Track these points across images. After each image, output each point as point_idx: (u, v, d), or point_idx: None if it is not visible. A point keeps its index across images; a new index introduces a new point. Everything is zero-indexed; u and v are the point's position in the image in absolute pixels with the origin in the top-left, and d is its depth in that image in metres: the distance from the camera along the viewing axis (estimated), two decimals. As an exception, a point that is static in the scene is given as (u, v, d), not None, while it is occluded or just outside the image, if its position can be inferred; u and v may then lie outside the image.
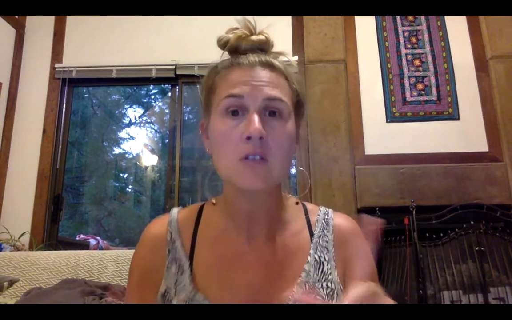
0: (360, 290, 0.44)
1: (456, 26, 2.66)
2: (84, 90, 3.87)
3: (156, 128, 4.58)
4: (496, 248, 2.09)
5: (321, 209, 0.73)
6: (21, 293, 1.56)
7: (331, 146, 2.45)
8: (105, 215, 4.28)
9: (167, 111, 3.56)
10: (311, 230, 0.70)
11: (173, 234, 0.69)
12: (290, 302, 0.61)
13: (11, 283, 1.49)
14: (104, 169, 4.38)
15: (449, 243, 2.12)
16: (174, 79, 2.78)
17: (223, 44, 0.70)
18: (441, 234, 2.12)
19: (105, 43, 2.82)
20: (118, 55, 2.77)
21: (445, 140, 2.47)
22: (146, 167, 4.44)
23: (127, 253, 1.79)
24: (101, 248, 2.64)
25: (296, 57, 2.63)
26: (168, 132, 3.03)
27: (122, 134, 4.62)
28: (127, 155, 4.57)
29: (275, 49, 0.71)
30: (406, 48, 2.65)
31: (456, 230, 2.13)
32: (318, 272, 0.65)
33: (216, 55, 0.71)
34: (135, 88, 4.40)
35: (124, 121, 4.68)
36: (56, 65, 2.76)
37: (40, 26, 2.85)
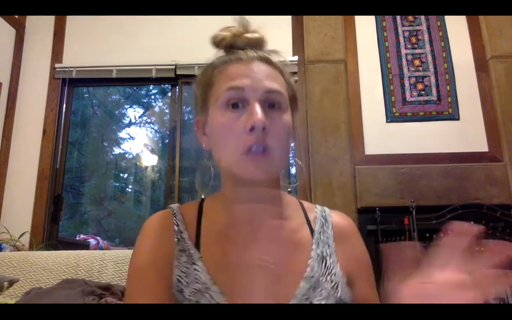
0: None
1: (456, 26, 2.66)
2: (84, 90, 3.87)
3: (156, 128, 4.58)
4: (496, 248, 2.08)
5: (317, 206, 0.75)
6: (21, 293, 1.56)
7: (331, 146, 2.45)
8: (105, 215, 4.28)
9: (167, 111, 3.56)
10: (310, 226, 0.71)
11: (180, 226, 0.68)
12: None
13: (11, 283, 1.49)
14: (104, 169, 4.38)
15: (449, 243, 2.12)
16: (174, 79, 2.78)
17: (219, 41, 0.71)
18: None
19: (105, 43, 2.82)
20: (118, 55, 2.77)
21: (445, 140, 2.47)
22: (146, 167, 4.44)
23: (127, 253, 1.79)
24: (101, 248, 2.65)
25: (295, 57, 2.64)
26: (168, 132, 3.03)
27: (122, 134, 4.62)
28: (127, 155, 4.57)
29: (269, 47, 0.72)
30: (406, 48, 2.65)
31: (456, 230, 2.12)
32: (322, 266, 0.66)
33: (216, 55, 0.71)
34: (135, 88, 4.40)
35: (124, 121, 4.68)
36: (56, 65, 2.76)
37: (40, 26, 2.85)
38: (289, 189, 0.77)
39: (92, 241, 2.66)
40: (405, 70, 2.61)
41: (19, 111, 2.71)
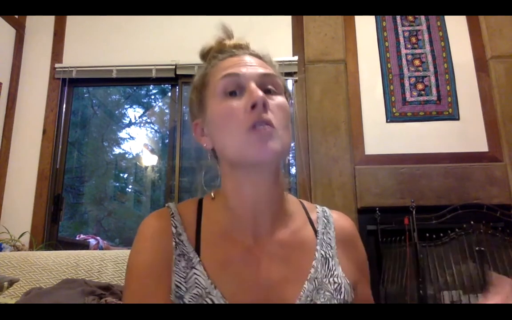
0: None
1: (456, 26, 2.66)
2: (84, 90, 3.87)
3: (156, 128, 4.58)
4: (496, 248, 2.08)
5: (318, 207, 0.75)
6: (21, 293, 1.55)
7: (331, 146, 2.45)
8: (105, 215, 4.28)
9: (167, 111, 3.56)
10: (313, 226, 0.70)
11: (178, 227, 0.66)
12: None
13: (11, 283, 1.49)
14: (104, 169, 4.38)
15: (449, 243, 2.12)
16: (174, 79, 2.78)
17: (207, 52, 0.73)
18: (441, 234, 2.12)
19: (105, 43, 2.82)
20: (118, 55, 2.77)
21: (445, 140, 2.47)
22: (146, 167, 4.44)
23: (127, 253, 1.78)
24: (101, 248, 2.65)
25: (295, 57, 2.64)
26: (168, 132, 3.03)
27: (122, 134, 4.62)
28: (127, 155, 4.57)
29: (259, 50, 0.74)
30: (406, 48, 2.65)
31: (456, 230, 2.12)
32: (325, 267, 0.65)
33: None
34: (135, 88, 4.40)
35: (124, 121, 4.68)
36: (56, 65, 2.76)
37: (40, 26, 2.85)
38: (288, 188, 0.77)
39: (92, 241, 2.66)
40: (405, 70, 2.61)
41: (19, 111, 2.70)
